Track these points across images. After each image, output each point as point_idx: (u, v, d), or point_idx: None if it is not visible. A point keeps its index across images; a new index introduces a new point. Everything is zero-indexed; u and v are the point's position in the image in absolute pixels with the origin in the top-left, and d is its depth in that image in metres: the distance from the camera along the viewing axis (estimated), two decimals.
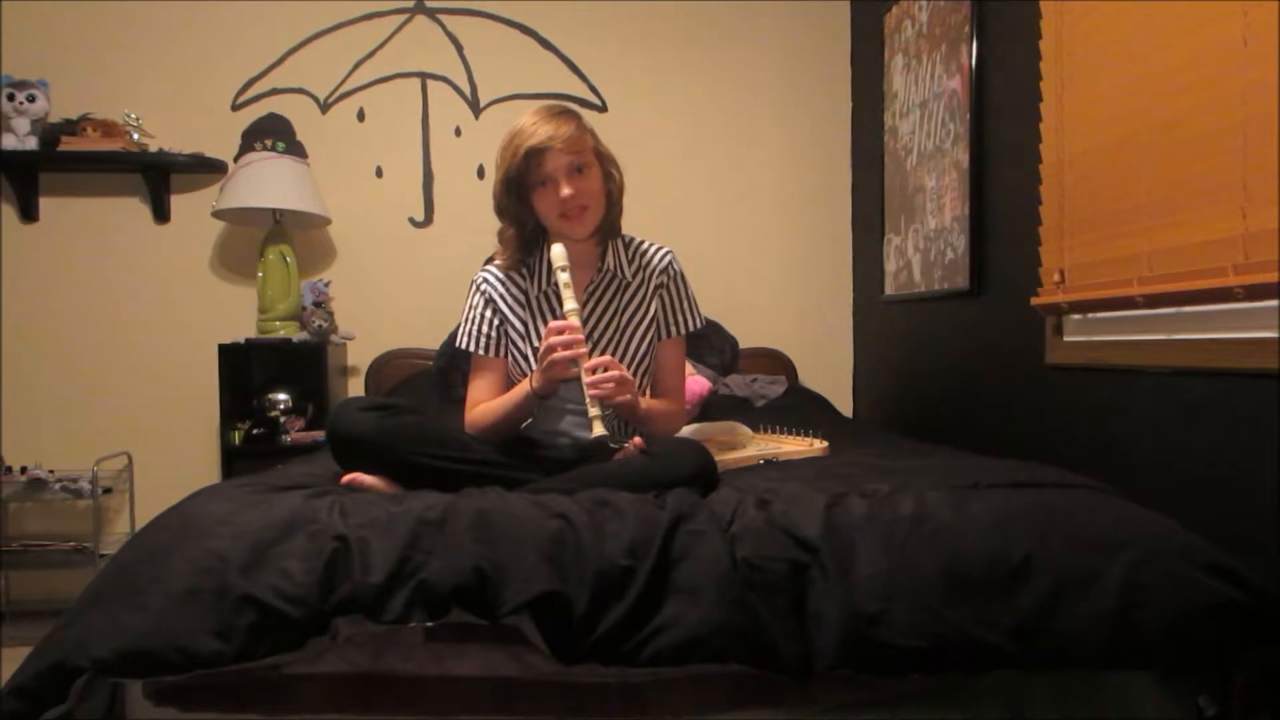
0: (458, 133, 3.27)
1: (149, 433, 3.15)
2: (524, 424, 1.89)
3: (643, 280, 1.95)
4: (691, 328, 1.99)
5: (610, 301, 1.93)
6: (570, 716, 1.30)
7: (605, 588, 1.24)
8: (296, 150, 3.06)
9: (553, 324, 1.74)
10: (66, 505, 3.06)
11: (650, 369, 1.97)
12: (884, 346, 3.13)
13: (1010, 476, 1.50)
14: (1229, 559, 1.27)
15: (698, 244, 2.99)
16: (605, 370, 1.70)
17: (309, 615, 1.22)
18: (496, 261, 1.96)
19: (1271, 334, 1.41)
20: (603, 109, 3.29)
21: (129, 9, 3.14)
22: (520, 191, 1.82)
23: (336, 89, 3.23)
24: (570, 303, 1.75)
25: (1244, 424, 1.49)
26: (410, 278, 3.26)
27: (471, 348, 1.93)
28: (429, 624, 1.23)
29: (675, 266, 1.99)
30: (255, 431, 2.94)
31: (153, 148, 3.09)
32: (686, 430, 2.06)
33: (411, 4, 3.25)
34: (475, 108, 3.27)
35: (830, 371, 3.39)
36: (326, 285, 3.09)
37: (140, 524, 2.88)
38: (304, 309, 3.03)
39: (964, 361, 2.50)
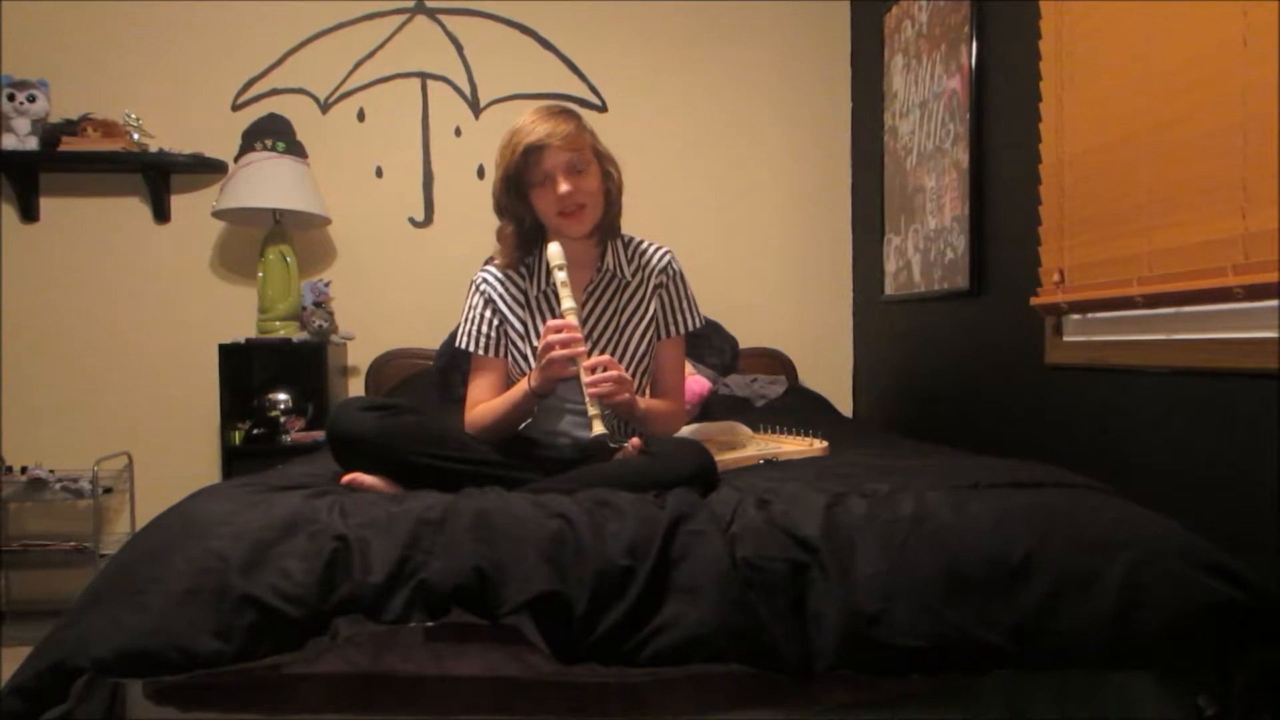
0: (458, 133, 3.27)
1: (149, 433, 3.15)
2: (524, 424, 1.90)
3: (642, 280, 1.95)
4: (691, 327, 1.99)
5: (610, 301, 1.93)
6: (570, 716, 1.30)
7: (605, 588, 1.24)
8: (296, 150, 3.05)
9: (551, 323, 1.74)
10: (67, 505, 3.06)
11: (650, 369, 1.97)
12: (884, 346, 3.13)
13: (1010, 476, 1.50)
14: (1229, 559, 1.27)
15: (698, 244, 2.99)
16: (604, 370, 1.70)
17: (309, 615, 1.22)
18: (496, 261, 1.96)
19: (1271, 334, 1.41)
20: (603, 109, 3.29)
21: (129, 9, 3.14)
22: (519, 189, 1.83)
23: (336, 89, 3.23)
24: (568, 301, 1.75)
25: (1244, 424, 1.49)
26: (410, 278, 3.26)
27: (471, 348, 1.93)
28: (429, 624, 1.23)
29: (675, 266, 1.99)
30: (255, 431, 2.94)
31: (153, 148, 3.09)
32: (686, 430, 2.06)
33: (411, 4, 3.24)
34: (475, 108, 3.27)
35: (830, 371, 3.39)
36: (326, 285, 3.09)
37: (140, 524, 2.87)
38: (304, 309, 3.03)
39: (964, 361, 2.50)
